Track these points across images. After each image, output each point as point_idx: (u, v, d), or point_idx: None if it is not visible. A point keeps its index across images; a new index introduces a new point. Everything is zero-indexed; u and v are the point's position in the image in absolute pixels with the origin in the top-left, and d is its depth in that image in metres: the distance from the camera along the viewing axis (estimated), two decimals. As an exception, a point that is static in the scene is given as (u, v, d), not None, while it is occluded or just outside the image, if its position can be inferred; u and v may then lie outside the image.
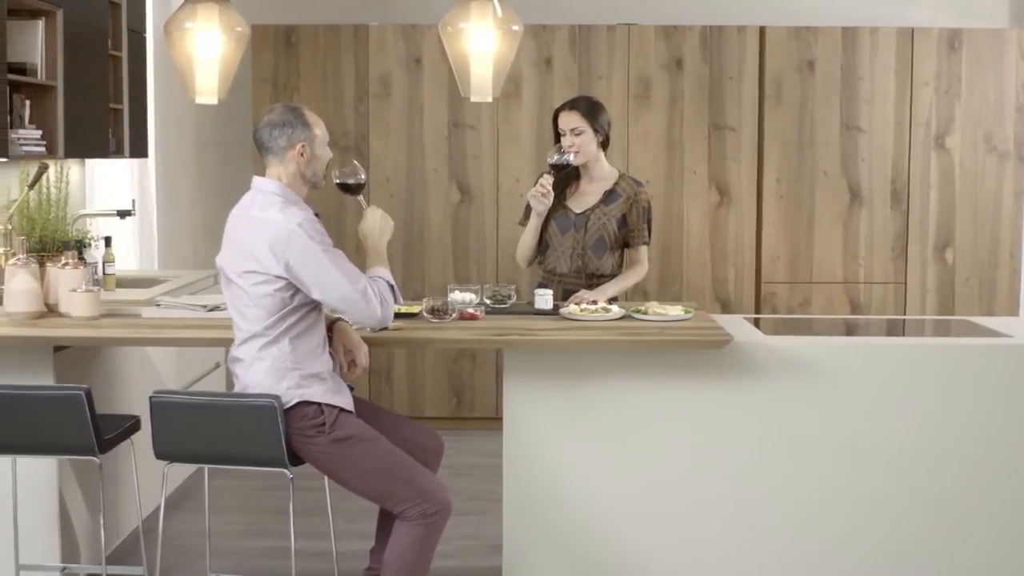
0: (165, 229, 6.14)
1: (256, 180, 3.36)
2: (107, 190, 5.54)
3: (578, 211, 4.32)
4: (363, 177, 3.64)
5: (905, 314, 6.25)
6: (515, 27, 3.91)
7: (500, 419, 6.20)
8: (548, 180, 4.17)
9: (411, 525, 3.24)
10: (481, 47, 3.89)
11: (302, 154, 3.31)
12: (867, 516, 3.68)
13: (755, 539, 3.69)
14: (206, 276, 5.51)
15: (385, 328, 3.49)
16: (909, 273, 6.28)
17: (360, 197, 3.63)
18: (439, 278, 6.26)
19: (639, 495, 3.67)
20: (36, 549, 3.77)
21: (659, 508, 3.68)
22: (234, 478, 4.98)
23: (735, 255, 6.29)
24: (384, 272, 3.35)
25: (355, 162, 3.73)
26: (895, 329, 4.72)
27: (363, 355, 3.47)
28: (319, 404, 3.21)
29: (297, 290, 3.21)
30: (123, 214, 5.23)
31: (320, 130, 3.36)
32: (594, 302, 3.98)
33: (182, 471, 4.92)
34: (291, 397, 3.20)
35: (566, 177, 4.35)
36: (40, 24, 4.44)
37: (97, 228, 5.29)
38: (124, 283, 4.99)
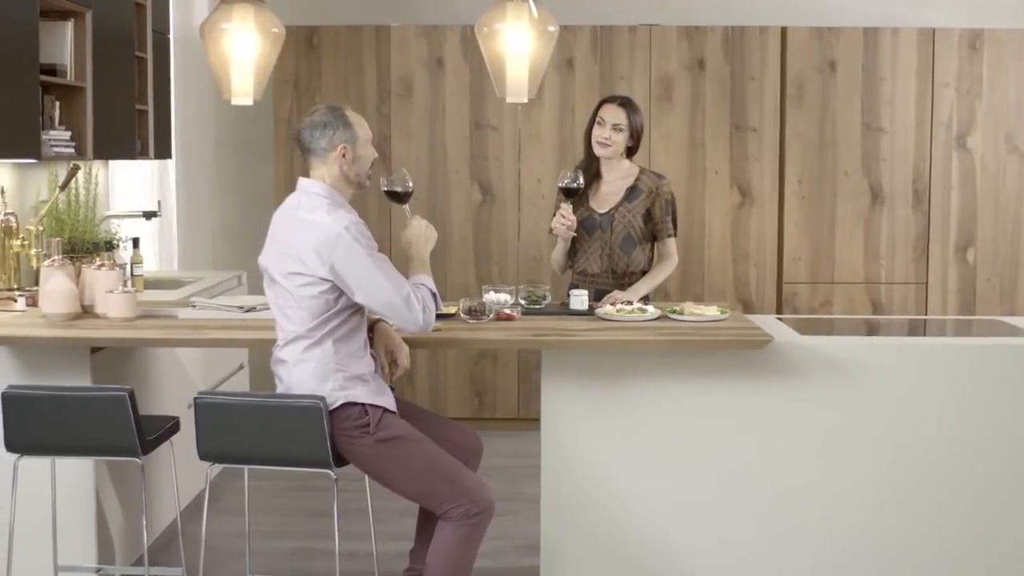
0: (185, 230, 6.14)
1: (302, 181, 3.35)
2: (127, 191, 5.54)
3: (602, 211, 4.33)
4: (411, 185, 3.64)
5: (926, 314, 6.26)
6: (551, 28, 3.91)
7: (522, 419, 6.30)
8: (567, 209, 4.18)
9: (454, 525, 3.24)
10: (517, 48, 3.89)
11: (344, 155, 3.30)
12: (905, 515, 3.68)
13: (793, 539, 3.69)
14: (230, 277, 5.51)
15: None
16: (930, 273, 6.28)
17: (406, 206, 3.61)
18: (461, 279, 6.26)
19: (677, 495, 3.67)
20: (72, 550, 3.76)
21: (697, 508, 3.68)
22: (259, 479, 4.97)
23: (756, 255, 6.29)
24: (427, 280, 3.36)
25: (403, 169, 3.73)
26: (925, 329, 4.72)
27: (404, 356, 3.47)
28: (363, 405, 3.21)
29: (341, 293, 3.21)
30: (149, 215, 5.24)
31: (362, 130, 3.35)
32: (628, 303, 3.97)
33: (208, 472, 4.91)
34: (335, 398, 3.19)
35: (587, 174, 4.34)
36: (69, 25, 4.44)
37: (121, 229, 5.28)
38: (148, 284, 4.98)
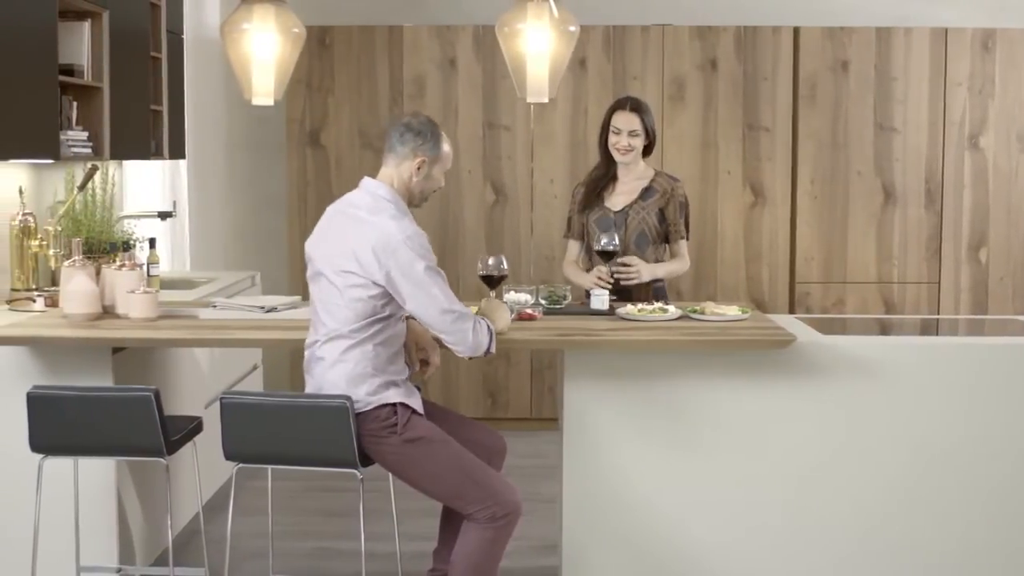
0: (197, 230, 6.14)
1: (366, 181, 3.32)
2: (139, 192, 5.53)
3: (616, 209, 4.34)
4: (505, 268, 3.75)
5: (939, 314, 6.26)
6: (571, 28, 3.91)
7: (535, 419, 6.30)
8: (606, 272, 4.18)
9: (480, 528, 3.23)
10: (537, 48, 3.88)
11: (419, 167, 3.29)
12: (928, 514, 3.67)
13: (816, 538, 3.69)
14: (244, 277, 5.51)
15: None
16: (943, 273, 6.28)
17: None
18: (473, 278, 6.24)
19: (699, 495, 3.67)
20: (93, 550, 3.76)
21: (719, 508, 3.67)
22: (274, 479, 4.98)
23: (769, 255, 6.29)
24: (490, 323, 3.35)
25: (501, 255, 3.78)
26: (938, 328, 4.72)
27: (436, 355, 3.46)
28: (393, 405, 3.21)
29: (391, 299, 3.20)
30: (164, 215, 5.23)
31: (446, 156, 3.35)
32: (650, 303, 3.98)
33: (223, 473, 4.91)
34: (369, 402, 3.19)
35: (603, 180, 4.37)
36: (87, 25, 4.43)
37: (137, 230, 5.27)
38: (163, 285, 4.96)
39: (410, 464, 3.23)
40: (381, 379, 3.21)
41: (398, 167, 3.30)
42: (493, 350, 3.31)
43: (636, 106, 4.29)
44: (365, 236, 3.18)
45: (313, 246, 3.33)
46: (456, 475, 3.23)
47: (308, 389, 3.29)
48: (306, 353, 3.32)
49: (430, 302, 3.16)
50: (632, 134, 4.24)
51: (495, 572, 3.29)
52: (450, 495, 3.27)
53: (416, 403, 3.28)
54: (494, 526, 3.23)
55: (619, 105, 4.30)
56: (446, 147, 3.35)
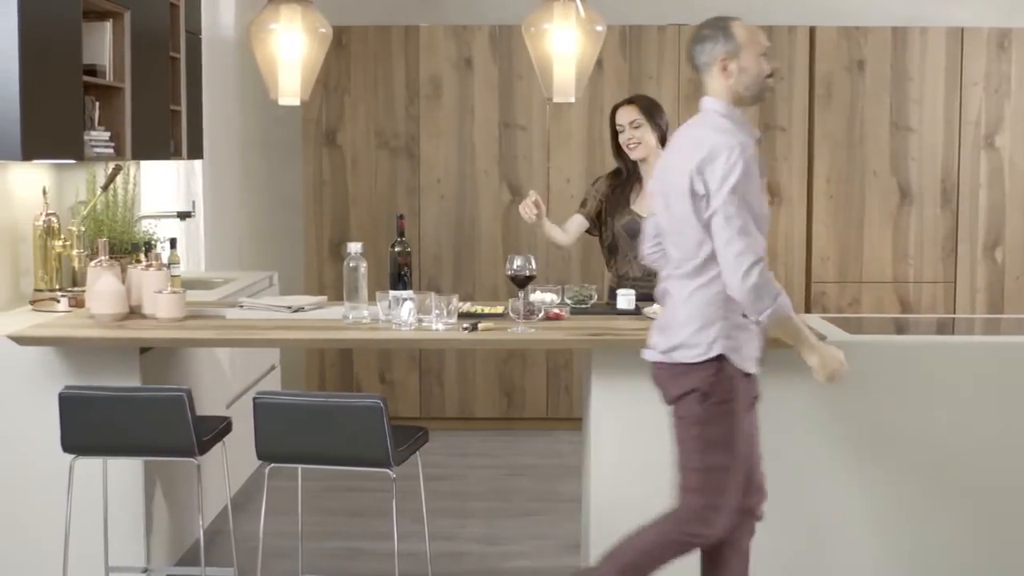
0: (212, 231, 6.14)
1: (703, 100, 3.18)
2: (155, 192, 5.53)
3: (645, 215, 4.30)
4: (535, 268, 3.68)
5: (955, 313, 6.26)
6: (598, 27, 3.91)
7: (551, 419, 6.30)
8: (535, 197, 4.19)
9: (670, 526, 3.11)
10: (564, 48, 3.88)
11: (725, 68, 3.10)
12: (961, 514, 3.68)
13: (843, 537, 3.69)
14: (262, 278, 5.51)
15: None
16: (959, 272, 6.28)
17: None
18: (490, 279, 6.26)
19: (727, 494, 3.67)
20: (120, 550, 3.75)
21: (747, 507, 3.67)
22: (290, 479, 4.99)
23: (785, 254, 6.29)
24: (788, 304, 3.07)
25: (530, 255, 3.72)
26: (969, 328, 4.73)
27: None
28: (735, 366, 3.06)
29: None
30: (183, 215, 5.23)
31: (749, 41, 3.09)
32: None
33: (242, 473, 4.91)
34: (714, 350, 3.04)
35: (628, 180, 4.35)
36: (108, 25, 4.42)
37: (156, 230, 5.27)
38: (182, 285, 4.97)
39: (701, 426, 3.07)
40: (731, 322, 3.07)
41: (713, 79, 3.12)
42: (769, 306, 3.01)
43: (632, 99, 4.29)
44: (696, 152, 3.03)
45: (656, 179, 3.24)
46: (719, 458, 3.06)
47: (656, 322, 3.24)
48: (657, 287, 3.27)
49: (726, 222, 2.98)
50: (633, 125, 4.21)
51: (651, 569, 3.12)
52: (689, 469, 3.11)
53: (754, 367, 3.15)
54: (682, 535, 3.10)
55: (617, 105, 4.30)
56: (742, 32, 3.10)
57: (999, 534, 3.70)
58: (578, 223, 4.42)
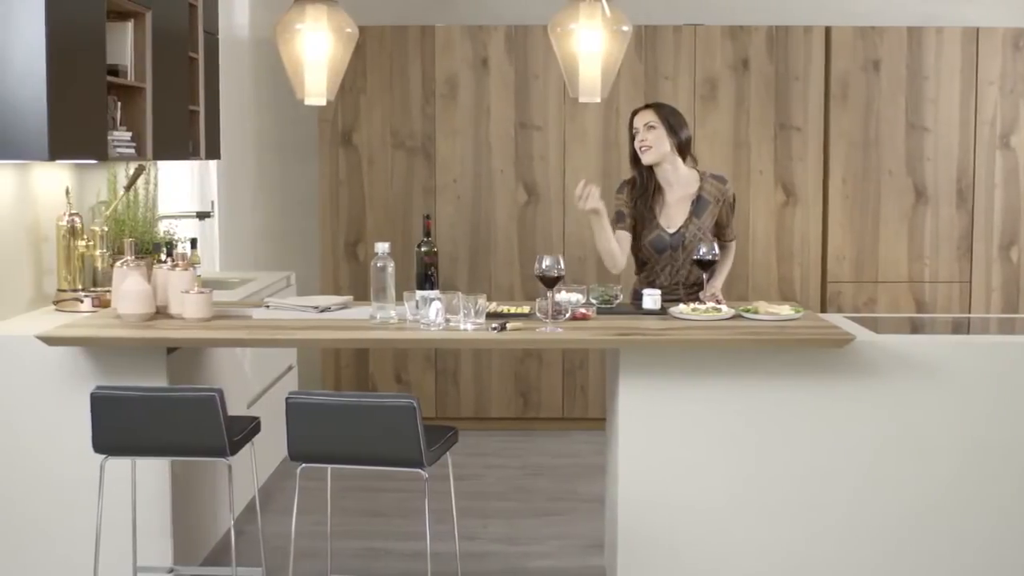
0: (227, 231, 6.13)
1: None
2: (171, 192, 5.52)
3: (672, 230, 4.25)
4: (563, 268, 3.63)
5: (970, 312, 6.26)
6: (624, 27, 3.91)
7: (567, 419, 6.30)
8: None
9: None
10: (590, 48, 3.88)
11: None
12: (986, 514, 3.68)
13: (876, 538, 3.69)
14: (280, 278, 5.51)
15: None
16: (974, 272, 6.28)
17: None
18: (506, 279, 6.26)
19: (754, 495, 3.67)
20: (148, 550, 3.75)
21: (774, 508, 3.67)
22: (310, 479, 4.99)
23: (801, 254, 6.29)
24: None
25: (558, 255, 3.68)
26: (984, 327, 4.72)
27: None
28: None
29: None
30: (202, 215, 5.23)
31: None
32: (702, 302, 3.98)
33: (263, 472, 4.91)
34: None
35: (648, 191, 4.28)
36: (130, 26, 4.42)
37: (176, 230, 5.27)
38: (204, 285, 4.97)
39: None
40: None
41: None
42: None
43: (650, 104, 4.31)
44: None
45: None
46: None
47: None
48: None
49: None
50: (648, 126, 4.18)
51: None
52: None
53: None
54: None
55: (636, 110, 4.29)
56: None
57: (1017, 533, 3.70)
58: (627, 240, 4.26)
